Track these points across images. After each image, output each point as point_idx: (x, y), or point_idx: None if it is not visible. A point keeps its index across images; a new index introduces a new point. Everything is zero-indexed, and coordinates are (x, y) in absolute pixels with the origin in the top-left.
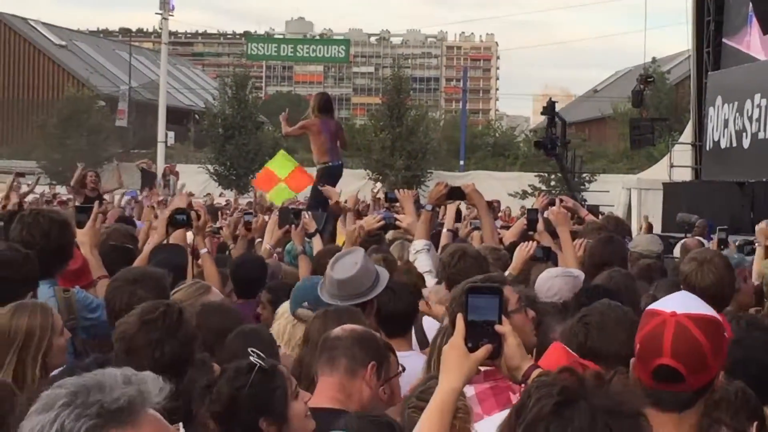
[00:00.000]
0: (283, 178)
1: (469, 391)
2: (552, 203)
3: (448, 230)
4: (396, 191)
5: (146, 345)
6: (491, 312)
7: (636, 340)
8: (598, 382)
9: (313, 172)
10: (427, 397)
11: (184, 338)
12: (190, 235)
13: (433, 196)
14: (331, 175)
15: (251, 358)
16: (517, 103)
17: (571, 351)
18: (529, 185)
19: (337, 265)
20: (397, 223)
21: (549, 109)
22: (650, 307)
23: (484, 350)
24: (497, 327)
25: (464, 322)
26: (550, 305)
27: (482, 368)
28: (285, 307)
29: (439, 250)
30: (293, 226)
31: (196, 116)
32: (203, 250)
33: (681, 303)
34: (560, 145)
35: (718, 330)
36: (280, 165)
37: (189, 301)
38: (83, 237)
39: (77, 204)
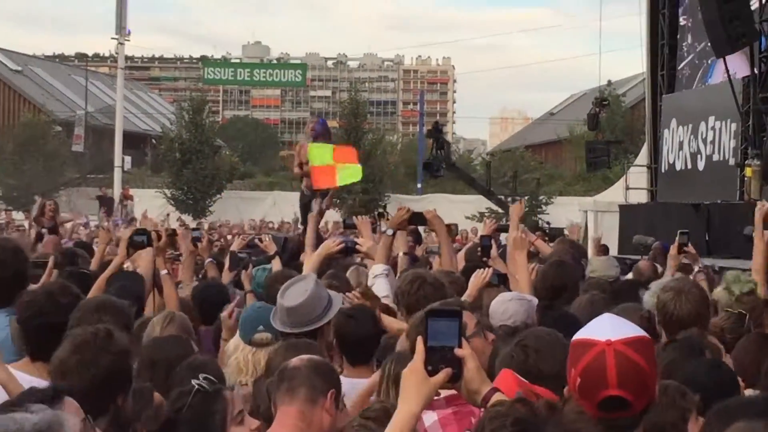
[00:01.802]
0: (335, 163)
1: (432, 416)
2: (501, 229)
3: (405, 254)
4: (354, 217)
5: (79, 365)
6: (451, 336)
7: (574, 373)
8: (551, 412)
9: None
10: (370, 414)
11: (117, 352)
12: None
13: (395, 221)
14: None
15: (193, 381)
16: (474, 126)
17: (520, 377)
18: (486, 208)
19: (287, 292)
20: (358, 247)
21: (434, 131)
22: (580, 336)
23: (443, 374)
24: (457, 351)
25: (424, 347)
26: (503, 329)
27: (444, 392)
28: (235, 341)
29: (398, 274)
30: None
31: (153, 141)
32: (163, 272)
33: (612, 329)
34: (445, 168)
35: (651, 348)
36: (320, 155)
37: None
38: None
39: (32, 259)
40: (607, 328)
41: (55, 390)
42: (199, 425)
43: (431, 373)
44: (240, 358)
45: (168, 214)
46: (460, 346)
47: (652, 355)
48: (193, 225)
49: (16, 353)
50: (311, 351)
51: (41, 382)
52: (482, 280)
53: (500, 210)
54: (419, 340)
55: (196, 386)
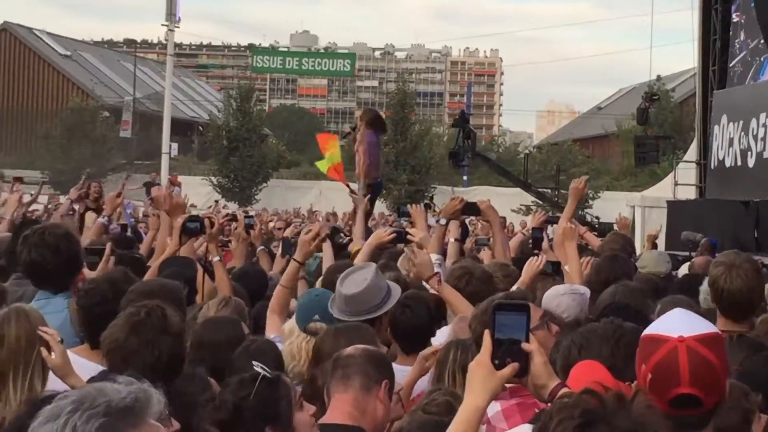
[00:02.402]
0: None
1: (495, 407)
2: (551, 221)
3: (456, 240)
4: (408, 206)
5: (141, 347)
6: (518, 330)
7: (645, 369)
8: (620, 403)
9: None
10: (432, 409)
11: (175, 332)
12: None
13: (448, 210)
14: (376, 192)
15: (255, 368)
16: (520, 119)
17: (603, 367)
18: (532, 201)
19: (346, 280)
20: (409, 237)
21: (460, 120)
22: (651, 332)
23: (510, 369)
24: (524, 345)
25: (491, 340)
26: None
27: (507, 385)
28: (290, 324)
29: (447, 261)
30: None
31: (200, 128)
32: (215, 258)
33: (684, 325)
34: (470, 157)
35: (722, 344)
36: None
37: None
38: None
39: (87, 246)
40: (680, 324)
41: None
42: (268, 412)
43: (498, 367)
44: (294, 345)
45: (216, 201)
46: (527, 341)
47: (723, 352)
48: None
49: (77, 335)
50: (361, 334)
51: (100, 368)
52: (536, 268)
53: (540, 202)
54: (486, 333)
55: (261, 372)
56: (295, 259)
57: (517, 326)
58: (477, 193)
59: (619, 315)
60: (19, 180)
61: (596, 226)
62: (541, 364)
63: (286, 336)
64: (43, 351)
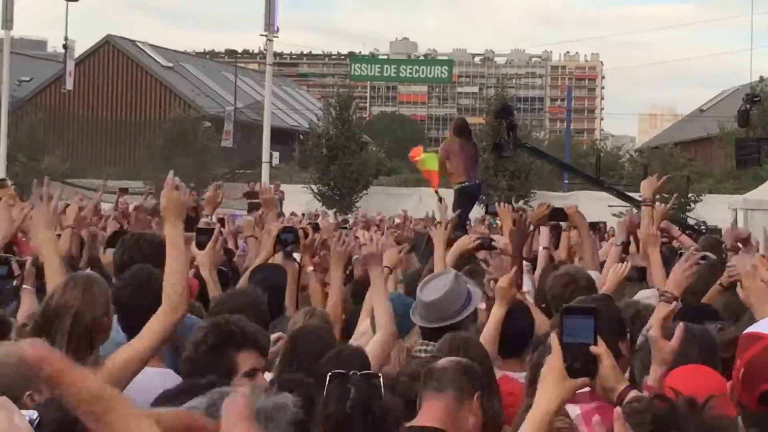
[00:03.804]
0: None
1: (575, 410)
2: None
3: (545, 248)
4: (497, 204)
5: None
6: (586, 333)
7: (739, 364)
8: (692, 409)
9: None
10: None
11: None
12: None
13: (535, 216)
14: (468, 195)
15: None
16: (622, 123)
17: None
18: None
19: (426, 287)
20: (494, 243)
21: (502, 111)
22: (750, 330)
23: (582, 380)
24: (592, 348)
25: (560, 344)
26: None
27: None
28: (365, 327)
29: (538, 270)
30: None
31: (301, 136)
32: (309, 269)
33: None
34: (511, 149)
35: None
36: (431, 161)
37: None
38: (203, 258)
39: (199, 226)
40: None
41: None
42: (376, 420)
43: (568, 370)
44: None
45: (325, 211)
46: (595, 344)
47: None
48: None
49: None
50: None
51: (157, 371)
52: (621, 274)
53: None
54: (554, 337)
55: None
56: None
57: (585, 329)
58: (576, 198)
59: (694, 317)
60: (124, 191)
61: (703, 230)
62: (609, 367)
63: (357, 336)
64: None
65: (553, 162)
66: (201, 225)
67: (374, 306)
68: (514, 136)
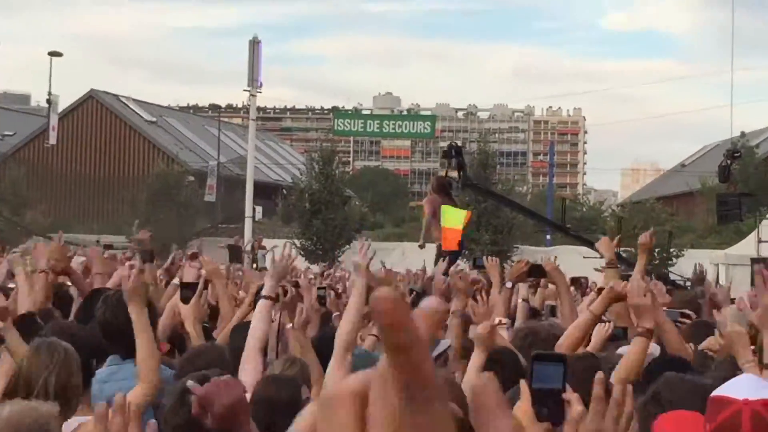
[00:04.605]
0: (463, 228)
1: None
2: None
3: (523, 300)
4: (484, 258)
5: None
6: (556, 379)
7: (708, 429)
8: None
9: None
10: None
11: None
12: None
13: (514, 273)
14: (451, 252)
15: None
16: (605, 178)
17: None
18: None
19: None
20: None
21: (450, 152)
22: (717, 393)
23: (547, 426)
24: (565, 395)
25: (529, 389)
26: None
27: None
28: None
29: (517, 323)
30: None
31: (284, 191)
32: (288, 326)
33: (751, 389)
34: (459, 187)
35: None
36: (454, 218)
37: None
38: (187, 311)
39: (183, 280)
40: (747, 388)
41: None
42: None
43: (536, 415)
44: None
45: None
46: (564, 390)
47: None
48: (317, 274)
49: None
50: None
51: None
52: (605, 333)
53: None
54: (523, 383)
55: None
56: None
57: (555, 376)
58: (559, 253)
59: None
60: (109, 248)
61: (687, 286)
62: (579, 413)
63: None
64: None
65: (509, 205)
66: (186, 279)
67: (344, 314)
68: (464, 176)
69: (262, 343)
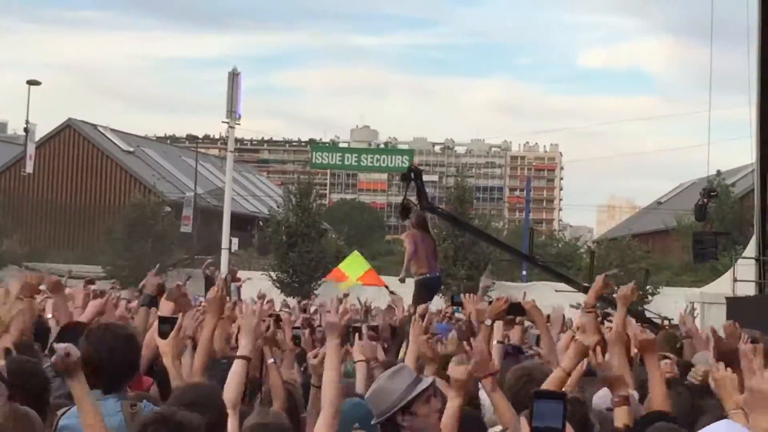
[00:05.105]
0: (355, 279)
1: None
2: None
3: (498, 342)
4: (462, 295)
5: None
6: (556, 418)
7: None
8: None
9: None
10: None
11: None
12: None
13: (493, 311)
14: (428, 287)
15: None
16: (581, 214)
17: None
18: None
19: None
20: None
21: (408, 174)
22: None
23: None
24: None
25: (529, 427)
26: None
27: None
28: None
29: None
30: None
31: (260, 223)
32: (269, 360)
33: None
34: (419, 208)
35: None
36: (353, 267)
37: None
38: (166, 347)
39: (160, 315)
40: None
41: None
42: None
43: None
44: None
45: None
46: (563, 428)
47: None
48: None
49: None
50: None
51: None
52: (579, 371)
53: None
54: (523, 419)
55: None
56: None
57: (555, 414)
58: (535, 288)
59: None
60: (90, 283)
61: (665, 325)
62: None
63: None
64: None
65: (473, 233)
66: (163, 314)
67: (323, 377)
68: (425, 199)
69: (236, 404)
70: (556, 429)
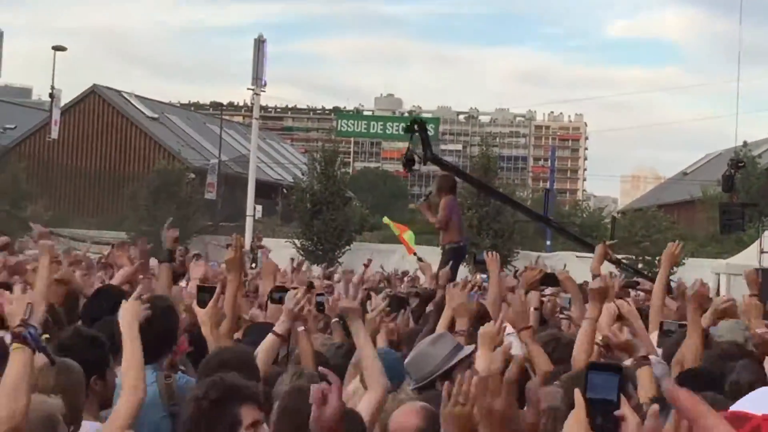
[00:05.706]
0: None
1: None
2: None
3: (536, 309)
4: (485, 254)
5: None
6: (610, 390)
7: None
8: None
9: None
10: None
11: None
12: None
13: (527, 280)
14: (458, 255)
15: None
16: (605, 184)
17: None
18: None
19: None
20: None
21: (413, 126)
22: (736, 408)
23: None
24: (617, 412)
25: (584, 399)
26: None
27: None
28: (355, 384)
29: None
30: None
31: (284, 190)
32: (300, 328)
33: None
34: (419, 162)
35: None
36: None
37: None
38: (204, 317)
39: (199, 285)
40: (766, 403)
41: None
42: None
43: (591, 425)
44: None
45: (292, 259)
46: (618, 401)
47: None
48: (319, 274)
49: (166, 409)
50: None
51: None
52: (611, 314)
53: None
54: (578, 392)
55: None
56: None
57: (609, 386)
58: (559, 258)
59: (696, 382)
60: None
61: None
62: (634, 425)
63: (347, 398)
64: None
65: (482, 188)
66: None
67: (362, 362)
68: (429, 151)
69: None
70: (611, 401)
